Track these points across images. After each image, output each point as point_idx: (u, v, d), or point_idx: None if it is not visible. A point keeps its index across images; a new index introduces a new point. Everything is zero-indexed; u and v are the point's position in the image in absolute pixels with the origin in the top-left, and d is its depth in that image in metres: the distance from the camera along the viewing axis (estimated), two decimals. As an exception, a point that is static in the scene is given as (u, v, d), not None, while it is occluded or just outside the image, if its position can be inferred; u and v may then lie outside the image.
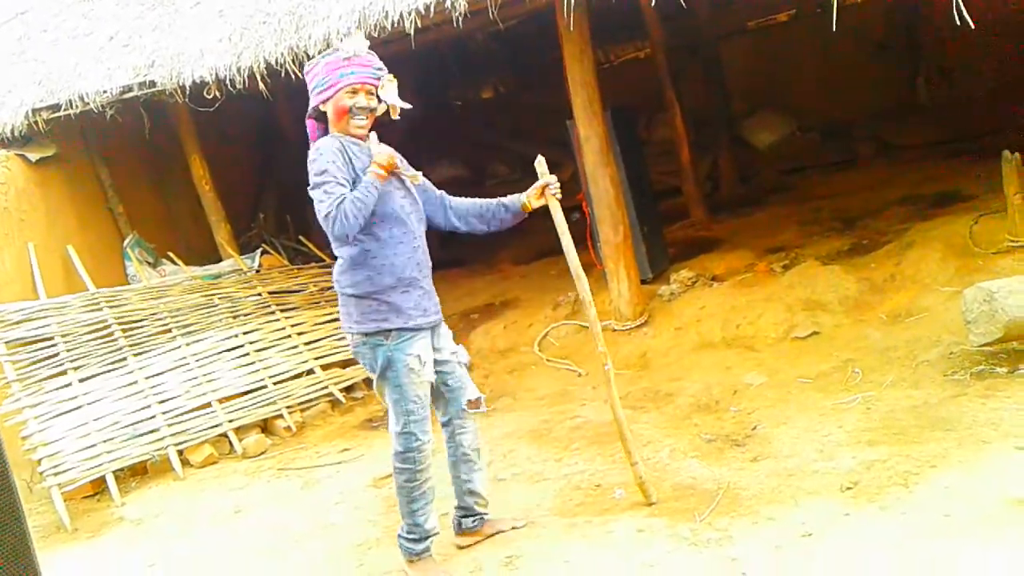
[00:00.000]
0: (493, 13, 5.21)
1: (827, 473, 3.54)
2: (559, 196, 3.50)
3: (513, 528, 3.64)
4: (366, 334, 3.23)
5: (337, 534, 4.10)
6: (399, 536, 3.44)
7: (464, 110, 12.32)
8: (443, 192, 3.57)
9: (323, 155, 3.09)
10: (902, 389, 4.22)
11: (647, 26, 8.53)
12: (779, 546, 3.07)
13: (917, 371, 4.39)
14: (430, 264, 3.40)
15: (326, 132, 3.27)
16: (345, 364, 6.64)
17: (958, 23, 3.91)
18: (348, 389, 6.47)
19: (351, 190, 3.07)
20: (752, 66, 11.08)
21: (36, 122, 6.66)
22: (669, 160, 9.04)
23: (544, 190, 3.48)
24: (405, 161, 3.42)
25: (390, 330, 3.19)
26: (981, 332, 4.06)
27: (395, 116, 3.31)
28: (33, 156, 6.76)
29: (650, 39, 8.77)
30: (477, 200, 3.58)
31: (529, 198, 3.50)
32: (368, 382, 6.56)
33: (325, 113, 3.23)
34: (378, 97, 3.26)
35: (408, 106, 3.30)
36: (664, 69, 8.52)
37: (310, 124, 3.31)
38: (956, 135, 9.28)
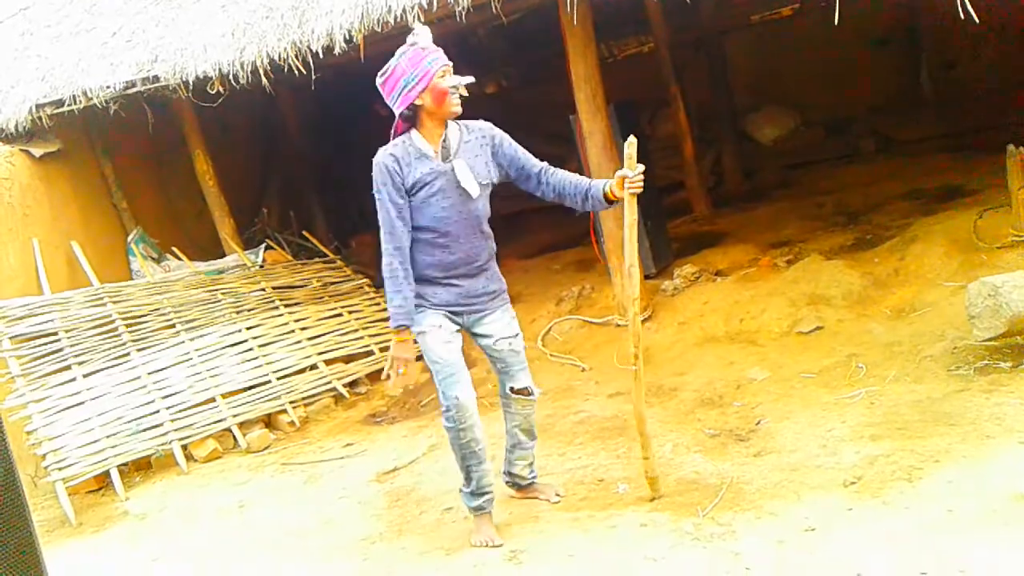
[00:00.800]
0: (496, 7, 5.20)
1: (830, 468, 3.54)
2: (639, 190, 3.30)
3: (547, 499, 3.84)
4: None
5: (341, 528, 4.11)
6: (460, 490, 3.66)
7: (467, 104, 12.30)
8: (544, 165, 3.54)
9: (378, 176, 3.36)
10: (906, 384, 4.22)
11: (651, 21, 8.52)
12: (782, 541, 3.07)
13: (921, 366, 4.38)
14: (478, 261, 3.50)
15: (408, 130, 3.39)
16: (348, 359, 6.66)
17: (962, 17, 3.90)
18: (351, 384, 6.47)
19: (408, 200, 3.36)
20: (755, 61, 11.06)
21: (40, 118, 6.67)
22: (673, 155, 9.04)
23: (623, 182, 3.29)
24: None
25: (418, 306, 3.44)
26: (985, 327, 4.06)
27: (464, 94, 3.39)
28: (37, 151, 6.76)
29: (654, 34, 8.76)
30: (570, 178, 3.51)
31: (611, 188, 3.36)
32: (371, 377, 6.59)
33: (415, 111, 3.31)
34: None
35: (471, 79, 3.37)
36: (668, 64, 8.51)
37: (398, 126, 3.40)
38: (959, 129, 9.26)
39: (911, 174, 8.21)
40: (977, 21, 3.98)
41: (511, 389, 3.67)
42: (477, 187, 3.41)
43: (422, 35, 3.28)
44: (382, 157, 3.34)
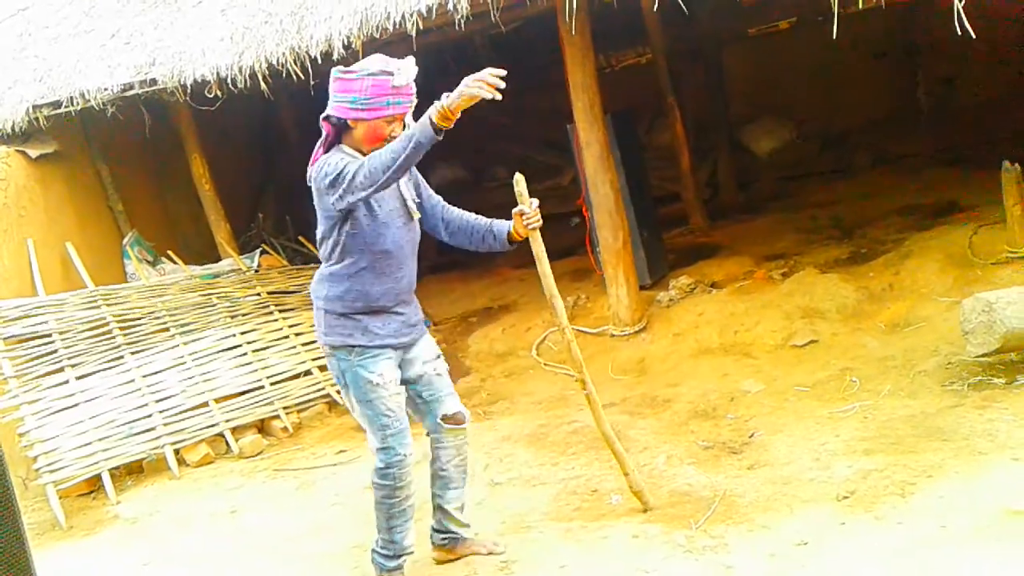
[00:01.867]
0: (495, 16, 5.21)
1: (823, 482, 3.55)
2: (535, 226, 3.22)
3: (490, 553, 3.51)
4: (332, 346, 3.19)
5: (333, 535, 4.10)
6: (373, 551, 3.39)
7: (464, 112, 12.31)
8: (440, 199, 3.42)
9: (336, 160, 2.96)
10: (899, 399, 4.23)
11: (648, 31, 8.54)
12: (774, 554, 3.07)
13: (914, 381, 4.40)
14: (414, 286, 3.33)
15: (338, 139, 3.11)
16: (342, 365, 6.63)
17: (959, 32, 3.91)
18: (345, 390, 6.45)
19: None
20: (753, 73, 11.09)
21: (37, 119, 6.65)
22: (669, 166, 9.05)
23: (520, 219, 3.22)
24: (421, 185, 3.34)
25: (354, 346, 3.14)
26: (979, 343, 4.07)
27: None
28: (33, 152, 6.75)
29: (651, 45, 8.78)
30: (468, 216, 3.39)
31: (515, 228, 3.26)
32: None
33: (343, 125, 3.06)
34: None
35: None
36: (665, 75, 8.52)
37: (326, 126, 3.12)
38: (955, 144, 9.30)
39: (907, 188, 8.23)
40: (974, 36, 3.99)
41: (442, 417, 3.36)
42: (417, 212, 3.28)
43: (404, 71, 2.97)
44: (338, 159, 2.96)
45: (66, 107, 6.58)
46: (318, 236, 3.20)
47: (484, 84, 2.72)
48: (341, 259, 3.13)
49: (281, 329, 6.69)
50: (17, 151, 6.65)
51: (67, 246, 6.69)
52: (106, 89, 6.44)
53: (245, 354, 6.33)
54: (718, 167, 10.12)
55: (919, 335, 4.98)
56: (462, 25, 5.28)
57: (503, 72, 2.74)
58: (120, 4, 7.27)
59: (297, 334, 6.69)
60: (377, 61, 2.98)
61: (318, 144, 3.14)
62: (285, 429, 5.94)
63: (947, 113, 9.98)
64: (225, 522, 4.60)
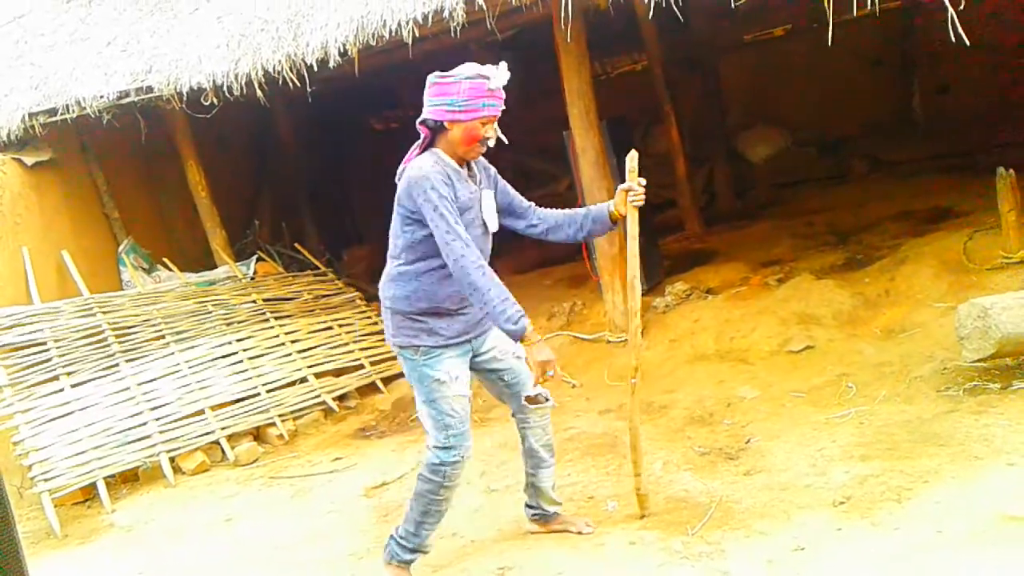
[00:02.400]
0: (491, 23, 5.22)
1: (820, 488, 3.54)
2: (640, 203, 3.27)
3: (579, 532, 3.58)
4: (400, 346, 3.25)
5: (329, 543, 4.09)
6: (392, 537, 3.43)
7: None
8: (532, 204, 3.48)
9: (432, 182, 3.01)
10: (895, 404, 4.22)
11: (644, 38, 8.57)
12: (771, 560, 3.07)
13: (910, 386, 4.40)
14: None
15: (431, 142, 3.17)
16: (339, 373, 6.64)
17: (954, 40, 3.93)
18: (341, 398, 6.45)
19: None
20: (748, 80, 11.13)
21: (33, 126, 6.65)
22: (665, 172, 9.07)
23: (626, 195, 3.28)
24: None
25: (420, 346, 3.20)
26: (974, 348, 4.07)
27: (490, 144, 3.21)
28: (29, 160, 6.75)
29: (647, 52, 8.81)
30: (559, 213, 3.45)
31: (616, 206, 3.32)
32: (361, 391, 6.56)
33: (440, 127, 3.12)
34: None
35: (504, 140, 3.24)
36: (661, 82, 8.56)
37: (423, 130, 3.17)
38: (951, 151, 9.33)
39: (902, 195, 8.25)
40: (968, 44, 4.00)
41: (526, 399, 3.42)
42: (496, 223, 3.32)
43: (500, 76, 3.05)
44: (430, 170, 3.04)
45: (62, 115, 6.58)
46: (391, 233, 3.24)
47: (542, 376, 2.99)
48: (411, 259, 3.18)
49: (277, 336, 6.69)
50: (13, 158, 6.65)
51: (62, 254, 6.68)
52: (102, 96, 6.45)
53: (241, 361, 6.32)
54: (714, 174, 10.15)
55: (915, 341, 4.99)
56: (458, 33, 5.29)
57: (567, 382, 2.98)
58: (117, 12, 7.28)
59: (293, 341, 6.68)
60: (473, 66, 3.08)
61: (415, 146, 3.21)
62: (281, 437, 5.93)
63: (942, 121, 10.01)
64: (220, 530, 4.59)
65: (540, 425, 3.51)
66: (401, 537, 3.39)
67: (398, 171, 3.18)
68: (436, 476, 3.26)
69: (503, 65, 3.09)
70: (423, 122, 3.15)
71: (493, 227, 3.31)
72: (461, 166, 3.18)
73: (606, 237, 6.15)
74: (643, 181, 3.29)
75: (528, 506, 3.67)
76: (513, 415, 3.54)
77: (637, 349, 3.52)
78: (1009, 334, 3.93)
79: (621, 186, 3.31)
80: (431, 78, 3.11)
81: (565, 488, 4.10)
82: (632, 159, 3.33)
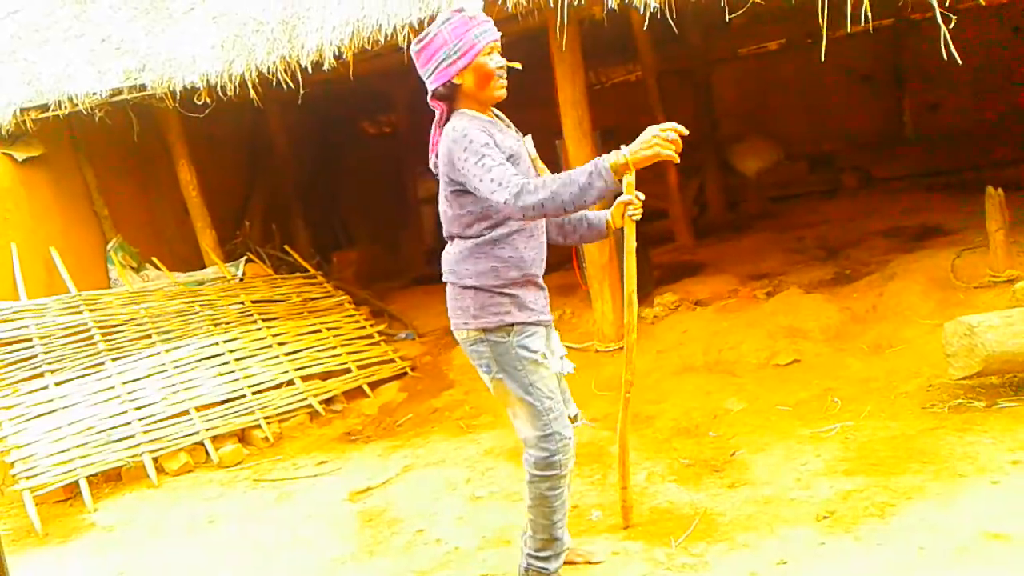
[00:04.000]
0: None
1: (804, 502, 3.55)
2: (637, 217, 3.01)
3: (586, 563, 3.36)
4: (485, 330, 2.91)
5: (311, 548, 4.07)
6: (528, 556, 3.14)
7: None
8: None
9: (472, 135, 2.74)
10: (880, 420, 4.24)
11: (639, 49, 8.60)
12: (754, 573, 3.07)
13: (896, 402, 4.41)
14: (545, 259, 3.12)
15: (451, 112, 2.91)
16: (326, 376, 6.62)
17: (945, 59, 3.95)
18: (328, 401, 6.43)
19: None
20: (741, 93, 11.18)
21: (24, 121, 6.62)
22: (656, 183, 9.08)
23: (623, 208, 2.99)
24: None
25: (513, 324, 2.90)
26: (960, 365, 4.09)
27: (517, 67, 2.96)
28: (20, 155, 6.72)
29: (641, 62, 8.84)
30: None
31: (613, 216, 3.11)
32: (348, 395, 6.54)
33: (452, 89, 2.86)
34: None
35: (517, 66, 2.98)
36: (654, 92, 8.58)
37: (438, 105, 2.93)
38: (941, 168, 9.39)
39: (892, 211, 8.30)
40: (960, 62, 4.03)
41: (568, 418, 3.12)
42: (545, 167, 3.05)
43: (472, 2, 2.83)
44: (466, 125, 2.77)
45: (54, 111, 6.56)
46: (449, 213, 2.95)
47: (664, 143, 2.66)
48: (489, 228, 2.90)
49: (264, 338, 6.66)
50: (3, 154, 6.63)
51: (51, 250, 6.65)
52: (95, 94, 6.43)
53: (227, 363, 6.29)
54: (706, 186, 10.18)
55: (901, 357, 5.01)
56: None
57: (684, 130, 2.68)
58: (112, 10, 7.26)
59: (280, 344, 6.66)
60: (441, 14, 2.85)
61: (434, 125, 2.96)
62: (266, 439, 5.91)
63: (932, 138, 10.08)
64: (203, 532, 4.56)
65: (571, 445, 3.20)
66: (538, 551, 3.12)
67: (430, 159, 2.97)
68: (551, 470, 2.97)
69: None
70: (435, 96, 2.90)
71: (544, 170, 3.06)
72: (492, 118, 2.95)
73: (597, 247, 6.16)
74: (641, 196, 3.08)
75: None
76: None
77: (632, 364, 3.46)
78: (995, 352, 3.95)
79: (620, 198, 3.03)
80: (412, 48, 2.89)
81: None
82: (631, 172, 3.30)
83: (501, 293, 2.91)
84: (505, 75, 2.89)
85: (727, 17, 4.64)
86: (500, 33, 2.91)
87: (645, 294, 7.01)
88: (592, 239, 3.31)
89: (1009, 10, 9.23)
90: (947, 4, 4.06)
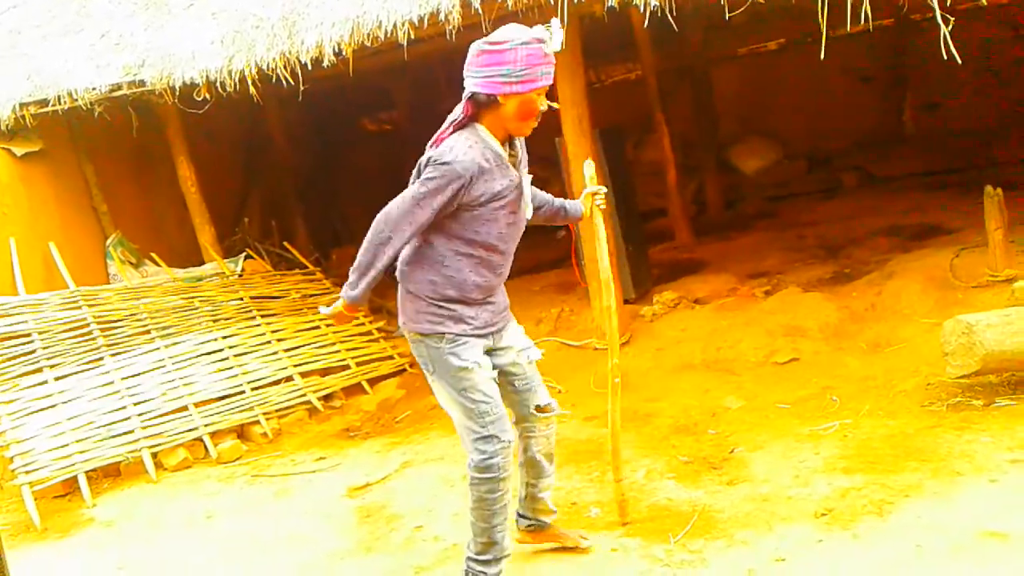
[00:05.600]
0: (487, 27, 5.22)
1: (802, 499, 3.55)
2: (603, 205, 3.38)
3: (575, 547, 3.44)
4: (421, 333, 3.01)
5: (309, 543, 4.08)
6: (468, 560, 3.18)
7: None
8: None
9: (450, 173, 2.78)
10: (879, 418, 4.25)
11: (639, 48, 8.59)
12: (752, 570, 3.08)
13: (894, 401, 4.42)
14: (504, 279, 3.16)
15: (473, 119, 2.89)
16: (325, 372, 6.62)
17: (945, 58, 3.96)
18: (326, 398, 6.43)
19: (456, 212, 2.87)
20: (741, 92, 11.18)
21: (23, 116, 6.61)
22: (656, 181, 9.09)
23: (591, 198, 3.39)
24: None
25: (444, 334, 2.97)
26: (959, 364, 4.10)
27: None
28: (19, 150, 6.71)
29: (641, 61, 8.83)
30: (543, 194, 3.39)
31: (585, 207, 3.43)
32: (347, 391, 6.54)
33: (491, 101, 2.83)
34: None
35: (555, 106, 3.07)
36: (654, 91, 8.58)
37: (467, 106, 2.87)
38: (940, 168, 9.40)
39: (891, 210, 8.30)
40: (960, 62, 4.04)
41: (536, 407, 3.22)
42: (531, 209, 3.14)
43: (555, 39, 2.80)
44: (464, 162, 2.77)
45: (53, 106, 6.55)
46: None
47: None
48: (442, 244, 2.95)
49: (263, 334, 6.67)
50: (2, 149, 6.62)
51: (50, 245, 6.64)
52: (94, 89, 6.42)
53: (226, 359, 6.30)
54: (705, 184, 10.19)
55: (900, 355, 5.02)
56: (453, 36, 5.29)
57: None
58: (111, 5, 7.25)
59: (279, 340, 6.66)
60: (522, 29, 2.79)
61: (449, 121, 2.92)
62: (265, 435, 5.91)
63: (932, 138, 10.08)
64: (201, 528, 4.57)
65: (545, 435, 3.32)
66: (478, 555, 3.14)
67: (427, 152, 2.92)
68: (489, 473, 3.01)
69: (556, 23, 2.82)
70: (471, 97, 2.84)
71: (528, 214, 3.11)
72: (504, 145, 2.94)
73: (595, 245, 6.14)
74: (604, 188, 3.36)
75: (521, 516, 3.49)
76: (515, 423, 3.27)
77: (615, 347, 3.58)
78: (993, 351, 3.96)
79: (586, 189, 3.35)
80: (478, 45, 2.82)
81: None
82: (589, 166, 3.47)
83: (437, 304, 2.98)
84: (537, 122, 2.93)
85: (727, 16, 4.64)
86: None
87: (644, 292, 7.03)
88: (572, 220, 3.49)
89: (1009, 10, 9.23)
90: (947, 4, 4.06)
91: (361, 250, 2.88)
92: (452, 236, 2.93)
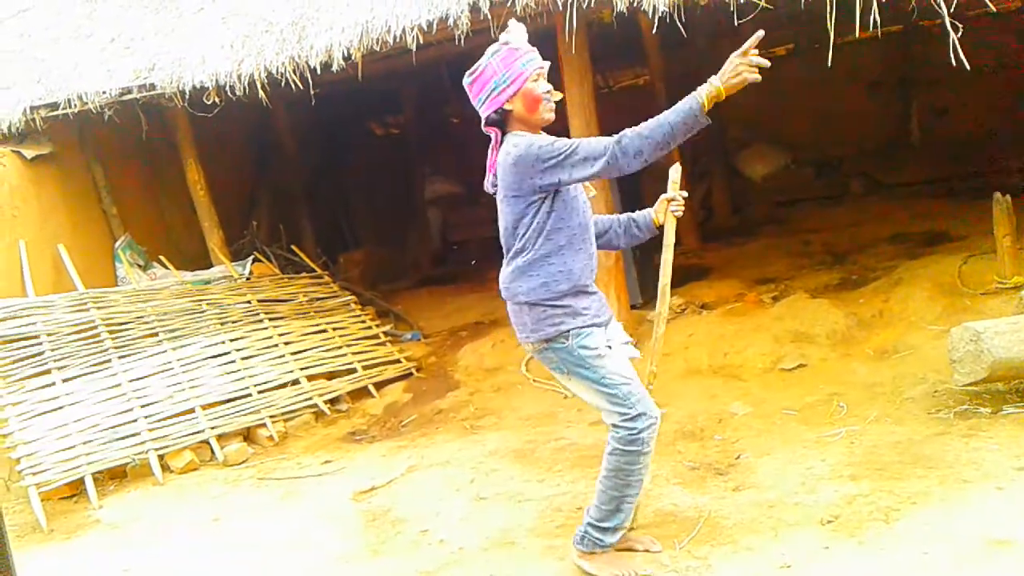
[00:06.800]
0: (495, 33, 5.24)
1: (808, 506, 3.54)
2: (680, 213, 3.38)
3: (646, 551, 3.37)
4: (546, 340, 3.08)
5: (316, 547, 4.08)
6: (588, 524, 3.21)
7: (460, 127, 12.38)
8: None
9: (539, 139, 2.96)
10: (886, 425, 4.23)
11: (647, 53, 8.61)
12: (758, 577, 3.07)
13: (901, 408, 4.41)
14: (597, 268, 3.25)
15: (505, 136, 3.08)
16: (331, 376, 6.63)
17: (954, 65, 3.95)
18: (333, 401, 6.44)
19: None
20: (749, 98, 11.12)
21: (34, 119, 6.65)
22: (663, 187, 9.08)
23: (667, 204, 3.38)
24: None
25: (569, 330, 3.04)
26: (966, 372, 4.08)
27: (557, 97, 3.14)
28: (29, 153, 6.75)
29: (649, 66, 8.84)
30: (605, 216, 3.48)
31: (657, 213, 3.40)
32: (353, 395, 6.55)
33: (504, 115, 3.03)
34: None
35: (558, 96, 3.17)
36: (662, 96, 8.59)
37: (492, 131, 3.10)
38: (948, 175, 9.38)
39: (898, 217, 8.29)
40: (968, 69, 4.03)
41: None
42: (592, 188, 3.27)
43: (515, 33, 3.01)
44: (525, 137, 2.97)
45: (63, 109, 6.59)
46: (505, 229, 3.13)
47: (749, 67, 2.89)
48: (541, 244, 3.05)
49: (270, 338, 6.68)
50: (12, 151, 6.65)
51: (59, 248, 6.67)
52: (104, 92, 6.45)
53: (233, 361, 6.31)
54: (712, 190, 10.19)
55: (907, 363, 5.00)
56: (462, 41, 5.31)
57: (764, 63, 2.91)
58: (121, 9, 7.30)
59: (286, 343, 6.68)
60: (490, 48, 3.03)
61: (490, 149, 3.13)
62: (271, 438, 5.92)
63: (940, 144, 10.07)
64: (208, 530, 4.57)
65: None
66: (599, 520, 3.18)
67: (487, 180, 3.15)
68: (634, 446, 3.04)
69: (512, 23, 3.04)
70: (488, 123, 3.07)
71: (591, 191, 3.25)
72: None
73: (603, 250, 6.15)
74: (684, 193, 3.38)
75: None
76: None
77: (657, 355, 3.51)
78: (1001, 358, 3.95)
79: (664, 196, 3.38)
80: (465, 81, 3.08)
81: (555, 498, 4.11)
82: (676, 171, 3.45)
83: (554, 305, 3.05)
84: (552, 100, 3.04)
85: (736, 22, 4.64)
86: (547, 62, 3.06)
87: (649, 298, 7.02)
88: (642, 238, 3.49)
89: (1018, 17, 9.22)
90: (954, 10, 4.06)
91: (663, 133, 2.90)
92: (550, 233, 3.04)
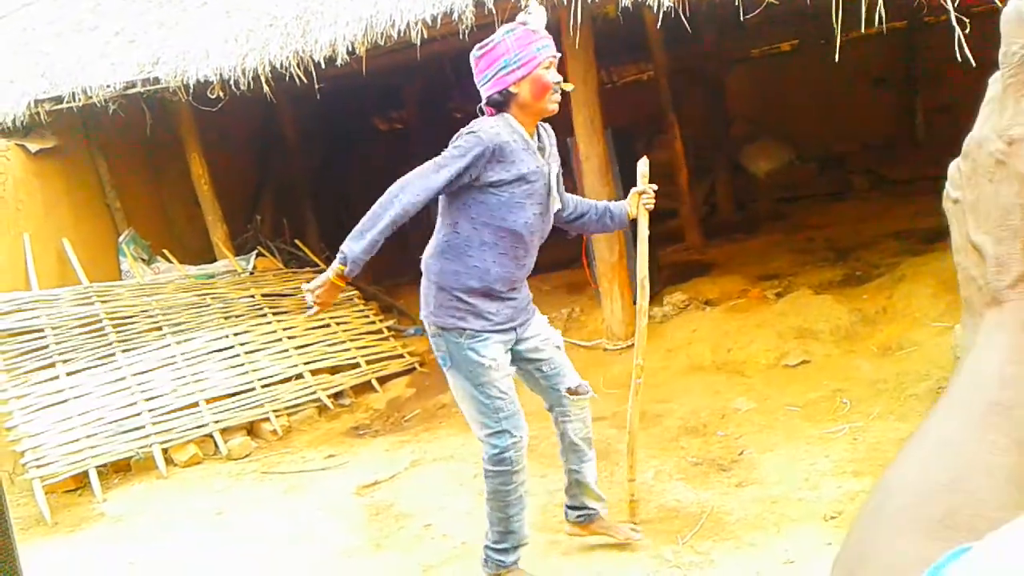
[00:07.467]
0: (499, 26, 5.23)
1: (811, 501, 3.55)
2: (651, 206, 3.31)
3: (626, 540, 3.42)
4: (442, 327, 3.02)
5: (319, 541, 4.09)
6: (487, 548, 3.23)
7: (464, 122, 12.35)
8: (571, 195, 3.39)
9: (472, 143, 2.83)
10: (889, 421, 4.23)
11: (651, 49, 8.59)
12: (760, 572, 3.08)
13: (905, 404, 4.41)
14: (527, 274, 3.18)
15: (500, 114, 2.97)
16: (335, 370, 6.64)
17: (960, 60, 3.95)
18: (336, 395, 6.45)
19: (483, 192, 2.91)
20: (754, 93, 11.16)
21: (38, 113, 6.66)
22: (667, 183, 9.06)
23: (639, 198, 3.30)
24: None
25: (465, 329, 2.98)
26: (970, 369, 4.07)
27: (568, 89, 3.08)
28: (33, 147, 6.75)
29: (654, 62, 8.82)
30: (585, 201, 3.42)
31: (630, 206, 3.34)
32: (356, 389, 6.56)
33: (507, 97, 2.91)
34: None
35: (570, 87, 3.14)
36: (666, 92, 8.57)
37: (491, 112, 2.98)
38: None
39: (902, 213, 8.27)
40: (974, 64, 4.02)
41: (567, 390, 3.24)
42: (559, 199, 3.18)
43: (536, 17, 2.88)
44: (489, 133, 2.83)
45: (67, 103, 6.59)
46: (441, 201, 3.04)
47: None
48: (465, 231, 2.97)
49: (274, 332, 6.69)
50: (17, 145, 6.66)
51: (63, 241, 6.68)
52: (108, 86, 6.46)
53: (237, 356, 6.32)
54: (716, 186, 10.17)
55: (911, 359, 5.00)
56: (466, 35, 5.30)
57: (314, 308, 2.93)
58: (125, 2, 7.30)
59: (290, 337, 6.68)
60: (505, 25, 2.93)
61: None
62: (275, 432, 5.93)
63: (944, 141, 10.04)
64: (211, 523, 4.59)
65: (580, 418, 3.32)
66: (495, 543, 3.20)
67: None
68: (503, 466, 3.05)
69: (533, 4, 2.93)
70: (489, 103, 2.96)
71: (557, 205, 3.14)
72: (532, 135, 2.99)
73: (606, 245, 6.16)
74: (654, 186, 3.31)
75: (571, 507, 3.47)
76: (549, 409, 3.33)
77: (643, 349, 3.51)
78: (1005, 356, 3.94)
79: (634, 189, 3.31)
80: (473, 54, 2.96)
81: (557, 493, 4.11)
82: (644, 164, 3.37)
83: (459, 298, 2.99)
84: (558, 91, 2.94)
85: (742, 17, 4.63)
86: (559, 53, 2.97)
87: (653, 293, 7.01)
88: (617, 227, 3.51)
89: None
90: (959, 5, 4.05)
91: (367, 213, 2.85)
92: (480, 223, 2.95)
